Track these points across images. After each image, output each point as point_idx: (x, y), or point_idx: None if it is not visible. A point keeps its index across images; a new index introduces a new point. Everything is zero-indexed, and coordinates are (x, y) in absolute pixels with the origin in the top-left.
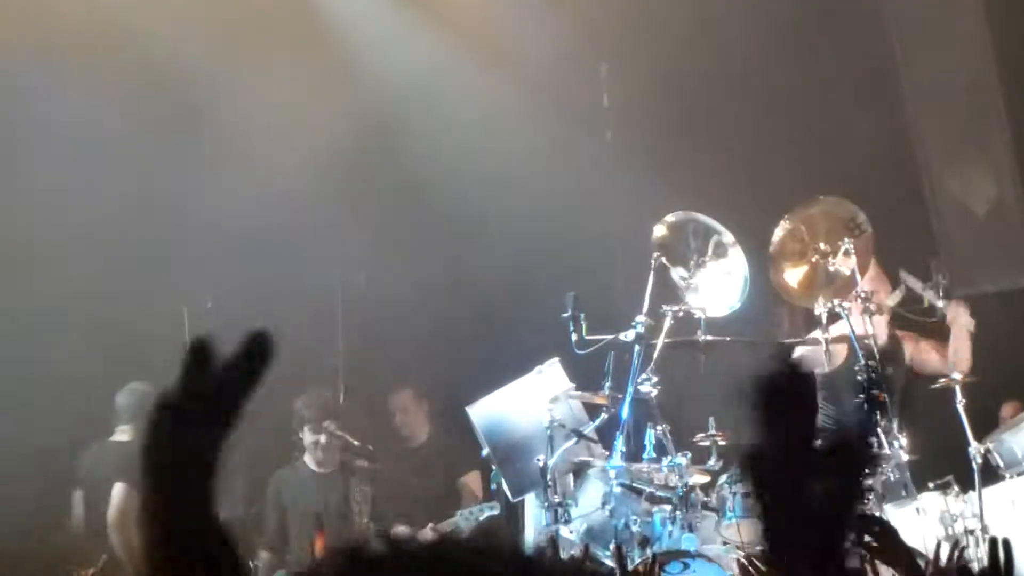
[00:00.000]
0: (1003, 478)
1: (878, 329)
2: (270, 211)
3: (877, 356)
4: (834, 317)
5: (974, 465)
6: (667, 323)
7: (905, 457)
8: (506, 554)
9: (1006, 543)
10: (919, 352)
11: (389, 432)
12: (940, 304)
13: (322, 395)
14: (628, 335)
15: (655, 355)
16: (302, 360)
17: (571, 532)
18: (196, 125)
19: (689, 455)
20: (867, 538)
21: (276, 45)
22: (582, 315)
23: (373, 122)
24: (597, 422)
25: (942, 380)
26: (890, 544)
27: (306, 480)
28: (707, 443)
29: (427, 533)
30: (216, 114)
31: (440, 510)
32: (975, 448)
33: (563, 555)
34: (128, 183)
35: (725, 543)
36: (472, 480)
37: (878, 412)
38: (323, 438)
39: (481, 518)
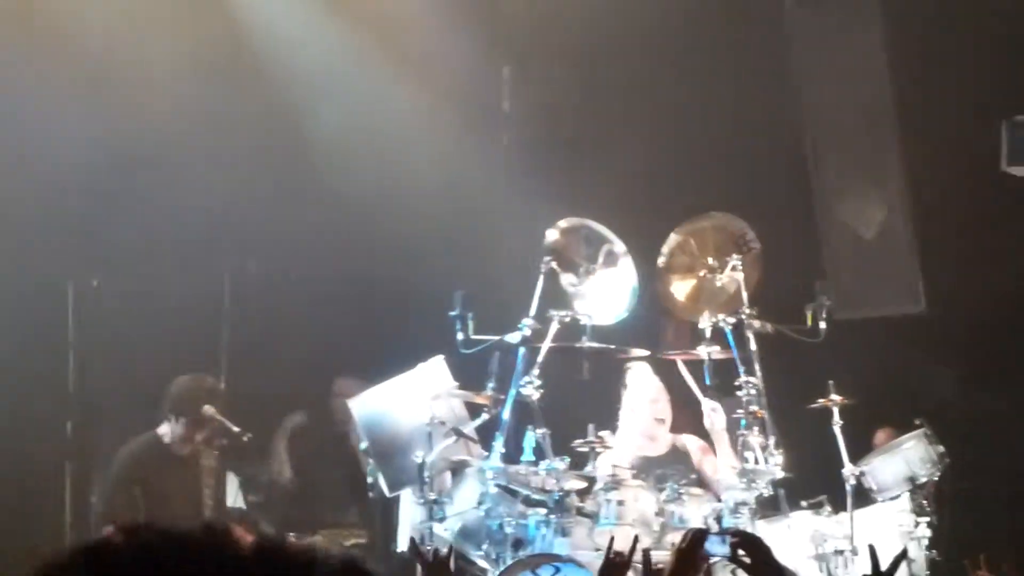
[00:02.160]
0: (875, 501)
1: (661, 436)
2: (160, 191)
3: (758, 373)
4: (717, 332)
5: (847, 487)
6: (553, 328)
7: (780, 474)
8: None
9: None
10: (703, 466)
11: (274, 423)
12: (822, 325)
13: (200, 379)
14: (514, 337)
15: (539, 359)
16: (187, 345)
17: (445, 530)
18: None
19: (567, 460)
20: (740, 553)
21: (182, 34)
22: (470, 314)
23: (273, 112)
24: (477, 422)
25: (820, 400)
26: (762, 561)
27: (164, 458)
28: (585, 449)
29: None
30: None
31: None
32: (849, 470)
33: (433, 551)
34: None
35: (597, 549)
36: None
37: (756, 429)
38: (186, 421)
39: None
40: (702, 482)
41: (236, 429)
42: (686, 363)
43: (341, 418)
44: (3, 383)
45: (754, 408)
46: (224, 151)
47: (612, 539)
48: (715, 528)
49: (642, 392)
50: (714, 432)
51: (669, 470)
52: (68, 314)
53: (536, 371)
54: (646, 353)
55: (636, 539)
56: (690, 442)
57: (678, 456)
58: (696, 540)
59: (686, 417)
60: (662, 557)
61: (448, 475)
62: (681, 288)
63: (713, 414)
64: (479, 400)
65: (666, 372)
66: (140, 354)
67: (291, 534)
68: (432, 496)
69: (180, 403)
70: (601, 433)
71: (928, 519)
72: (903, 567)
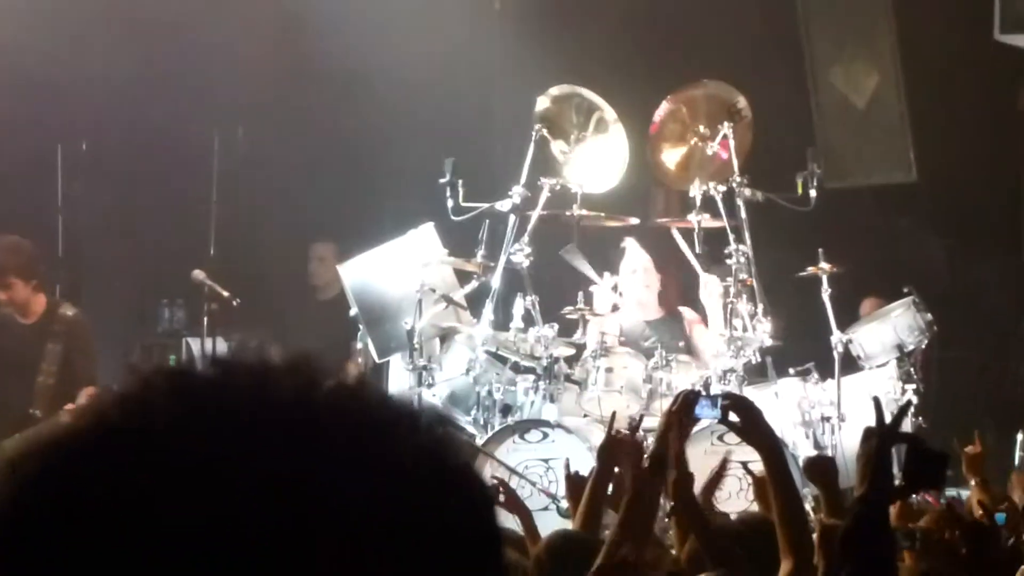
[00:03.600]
0: (862, 369)
1: (649, 302)
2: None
3: (748, 242)
4: (708, 200)
5: (835, 354)
6: (544, 195)
7: (768, 342)
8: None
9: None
10: (694, 336)
11: (265, 288)
12: (813, 194)
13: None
14: (504, 204)
15: (529, 226)
16: (175, 210)
17: (434, 396)
18: None
19: (556, 327)
20: (733, 417)
21: None
22: (459, 181)
23: None
24: (467, 289)
25: (809, 268)
26: (752, 422)
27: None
28: (575, 316)
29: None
30: None
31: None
32: (837, 337)
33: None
34: None
35: (585, 415)
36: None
37: (745, 296)
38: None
39: None
40: (691, 350)
41: (226, 294)
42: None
43: (318, 283)
44: None
45: (743, 276)
46: (220, 20)
47: (614, 415)
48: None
49: (627, 263)
50: (708, 304)
51: (661, 335)
52: (57, 179)
53: (526, 239)
54: (636, 221)
55: (613, 415)
56: (685, 312)
57: (672, 322)
58: (686, 402)
59: (682, 287)
60: (651, 424)
61: (437, 341)
62: (672, 156)
63: (708, 286)
64: (469, 267)
65: (663, 243)
66: (129, 218)
67: None
68: (421, 362)
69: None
70: (598, 286)
71: (915, 386)
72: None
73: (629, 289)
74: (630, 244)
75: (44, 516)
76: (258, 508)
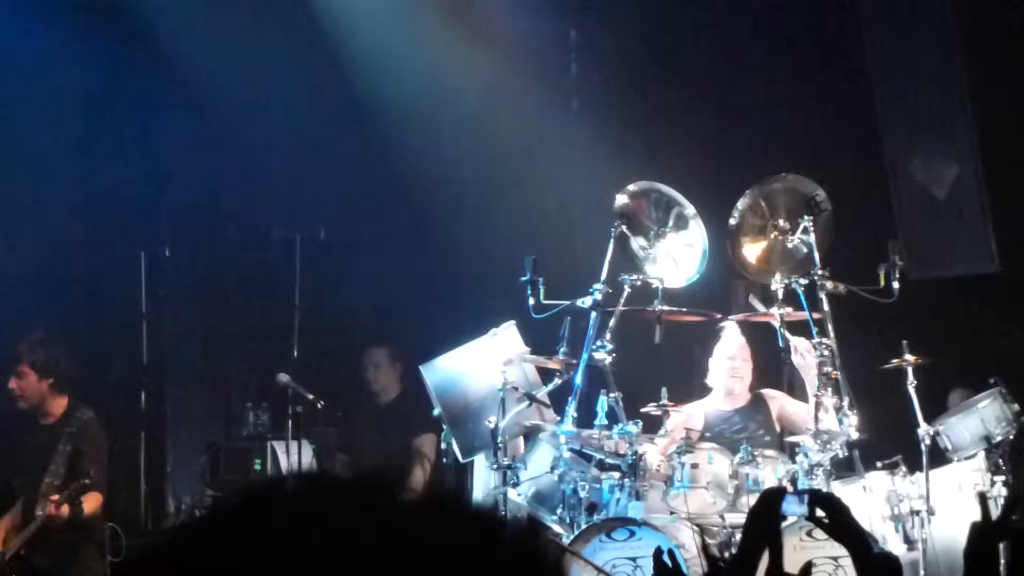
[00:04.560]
0: (950, 461)
1: (739, 392)
2: (232, 162)
3: (831, 334)
4: (789, 293)
5: (923, 447)
6: (625, 292)
7: (855, 436)
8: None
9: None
10: (785, 410)
11: (351, 387)
12: (896, 285)
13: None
14: (585, 302)
15: (611, 323)
16: (260, 313)
17: (519, 495)
18: (158, 66)
19: (640, 424)
20: (820, 514)
21: None
22: (540, 279)
23: (342, 82)
24: (550, 387)
25: (894, 360)
26: (842, 521)
27: (30, 429)
28: (658, 413)
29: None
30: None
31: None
32: (924, 430)
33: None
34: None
35: (672, 513)
36: (427, 442)
37: (831, 390)
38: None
39: None
40: (783, 431)
41: (311, 396)
42: (758, 324)
43: (375, 389)
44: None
45: (828, 369)
46: (299, 117)
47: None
48: (790, 488)
49: (722, 348)
50: (802, 366)
51: (747, 423)
52: (141, 284)
53: (608, 335)
54: (718, 316)
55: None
56: (768, 393)
57: (757, 408)
58: (771, 500)
59: (767, 377)
60: (737, 520)
61: (521, 440)
62: (752, 250)
63: (799, 348)
64: (551, 365)
65: (751, 335)
66: (213, 324)
67: None
68: (506, 461)
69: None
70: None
71: (1004, 478)
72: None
73: (721, 375)
74: (730, 328)
75: None
76: None
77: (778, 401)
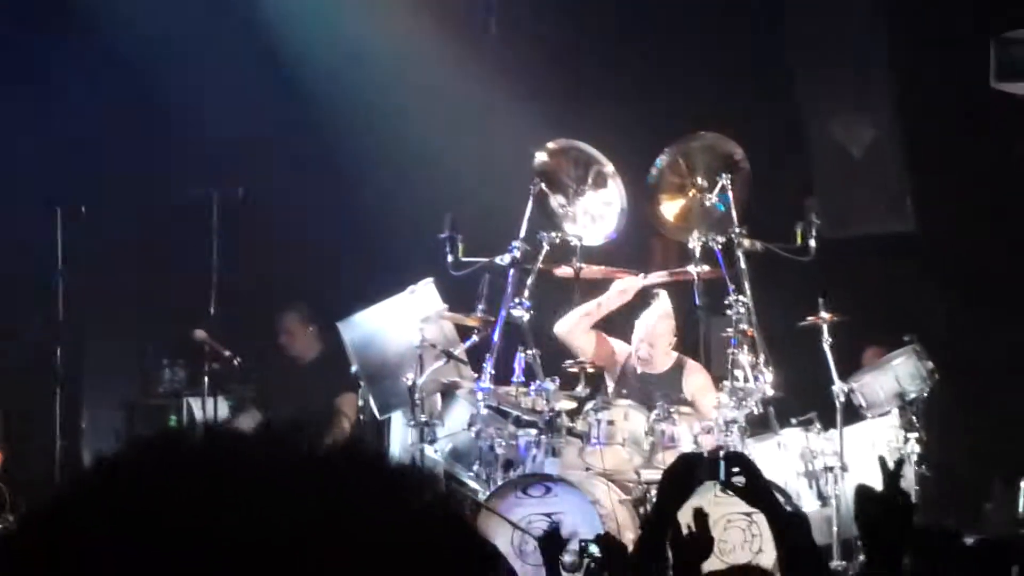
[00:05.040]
0: (864, 418)
1: (651, 359)
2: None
3: (748, 292)
4: (707, 251)
5: (837, 404)
6: (543, 249)
7: (770, 392)
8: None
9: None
10: (694, 393)
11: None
12: (812, 244)
13: None
14: (504, 259)
15: (529, 280)
16: (176, 270)
17: (436, 452)
18: (73, 25)
19: (557, 381)
20: (733, 475)
21: None
22: (459, 237)
23: (261, 40)
24: (468, 344)
25: (810, 317)
26: (755, 485)
27: None
28: (575, 370)
29: None
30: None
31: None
32: (839, 387)
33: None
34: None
35: (588, 469)
36: (347, 401)
37: (746, 347)
38: None
39: None
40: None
41: (227, 353)
42: (675, 283)
43: (293, 353)
44: None
45: (744, 327)
46: (217, 75)
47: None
48: (704, 448)
49: (659, 313)
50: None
51: (664, 387)
52: (58, 241)
53: (526, 293)
54: (636, 273)
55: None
56: (689, 365)
57: (676, 374)
58: (686, 465)
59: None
60: (653, 476)
61: (438, 397)
62: (670, 208)
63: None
64: (469, 322)
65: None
66: (129, 280)
67: None
68: (423, 418)
69: None
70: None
71: (917, 435)
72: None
73: (656, 339)
74: (664, 297)
75: None
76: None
77: (693, 378)
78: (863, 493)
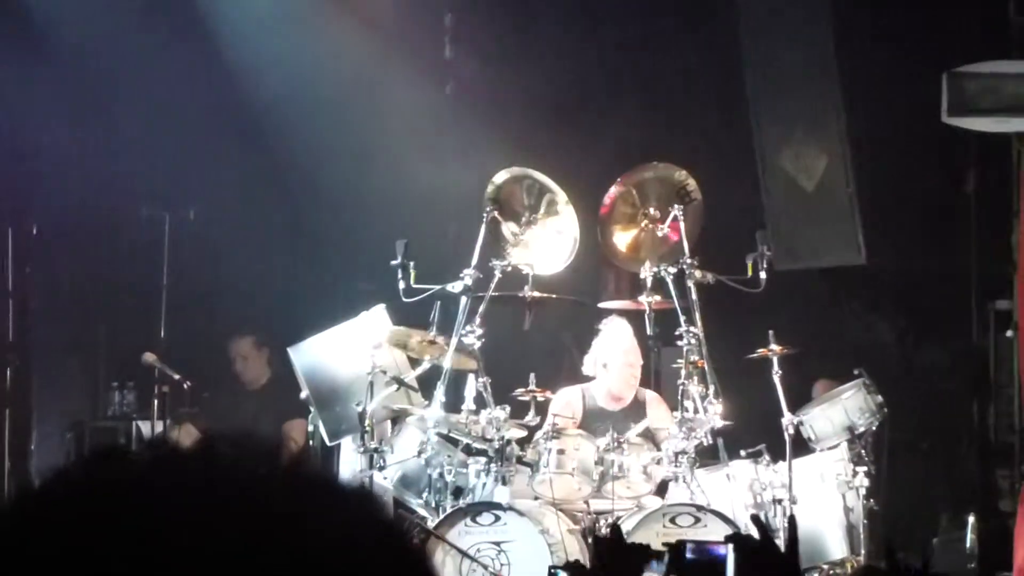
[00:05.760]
0: (813, 451)
1: (628, 397)
2: (102, 138)
3: (699, 323)
4: (658, 282)
5: (786, 436)
6: (496, 277)
7: (719, 424)
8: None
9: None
10: (653, 421)
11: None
12: (763, 275)
13: None
14: (456, 286)
15: (481, 308)
16: (126, 292)
17: (385, 478)
18: (28, 38)
19: (508, 409)
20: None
21: None
22: (411, 263)
23: (215, 59)
24: (419, 371)
25: (760, 350)
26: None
27: None
28: (526, 398)
29: None
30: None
31: None
32: (788, 419)
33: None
34: None
35: (537, 498)
36: (296, 427)
37: (696, 378)
38: None
39: None
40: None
41: (176, 377)
42: (627, 312)
43: (245, 380)
44: None
45: (694, 358)
46: (166, 100)
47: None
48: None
49: (616, 346)
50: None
51: (628, 424)
52: (8, 259)
53: (478, 320)
54: (588, 303)
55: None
56: (649, 397)
57: (638, 410)
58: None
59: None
60: (602, 506)
61: (389, 424)
62: (623, 238)
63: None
64: (426, 340)
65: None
66: (79, 301)
67: None
68: (373, 445)
69: None
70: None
71: (866, 468)
72: (840, 514)
73: (617, 376)
74: (620, 325)
75: None
76: None
77: (656, 411)
78: (742, 544)
